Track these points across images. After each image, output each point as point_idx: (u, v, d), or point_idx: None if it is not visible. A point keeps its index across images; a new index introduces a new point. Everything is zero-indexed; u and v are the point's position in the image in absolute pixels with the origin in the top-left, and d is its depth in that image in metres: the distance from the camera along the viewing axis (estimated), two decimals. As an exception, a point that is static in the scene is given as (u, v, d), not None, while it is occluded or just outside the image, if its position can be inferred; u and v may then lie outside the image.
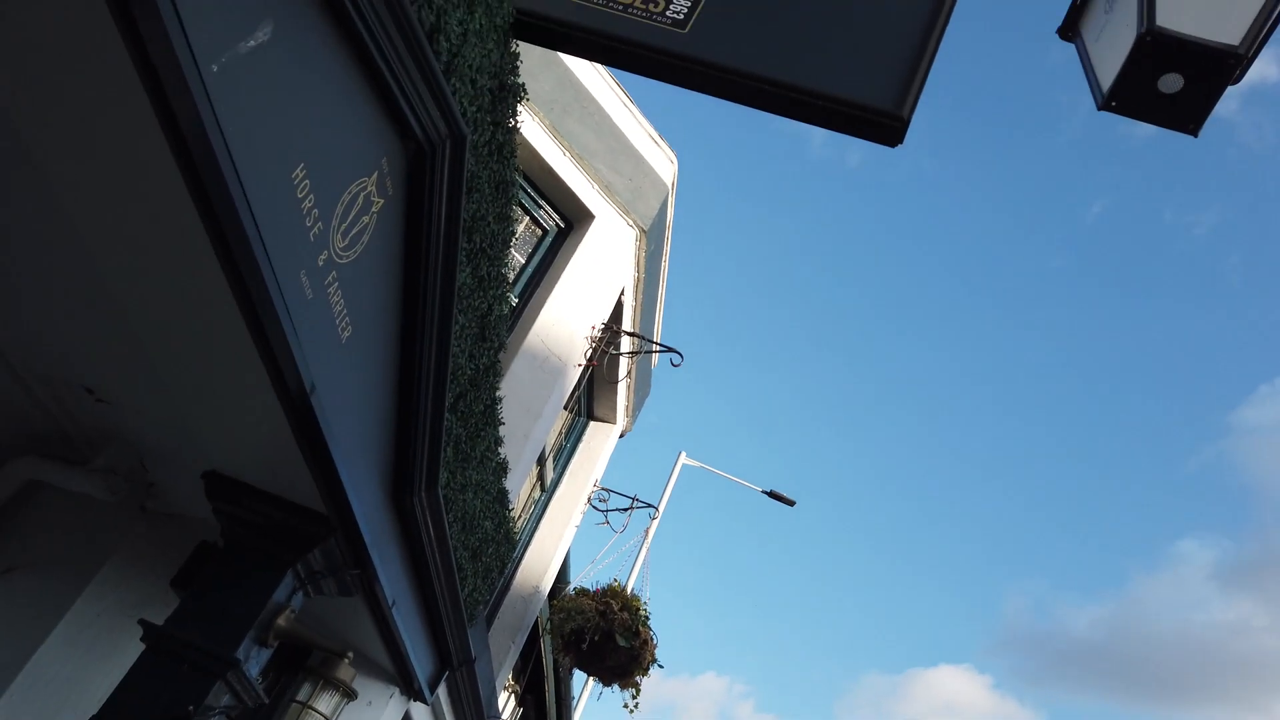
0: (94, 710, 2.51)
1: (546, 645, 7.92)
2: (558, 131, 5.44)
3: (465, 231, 2.65)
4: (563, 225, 5.81)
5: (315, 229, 1.97)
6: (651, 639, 5.97)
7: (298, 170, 1.85)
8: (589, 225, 5.80)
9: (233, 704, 2.55)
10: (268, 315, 1.91)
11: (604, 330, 5.88)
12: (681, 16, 2.68)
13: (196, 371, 2.44)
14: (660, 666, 6.09)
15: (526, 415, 5.00)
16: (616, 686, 6.18)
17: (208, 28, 1.48)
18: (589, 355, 5.68)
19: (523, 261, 5.53)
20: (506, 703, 8.33)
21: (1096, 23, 2.80)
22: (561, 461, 7.35)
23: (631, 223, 6.11)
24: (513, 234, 3.04)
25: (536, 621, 7.01)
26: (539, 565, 6.77)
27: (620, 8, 2.71)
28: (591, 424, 7.75)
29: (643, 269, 6.41)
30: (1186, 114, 2.62)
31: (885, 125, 2.48)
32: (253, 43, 1.60)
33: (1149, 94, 2.58)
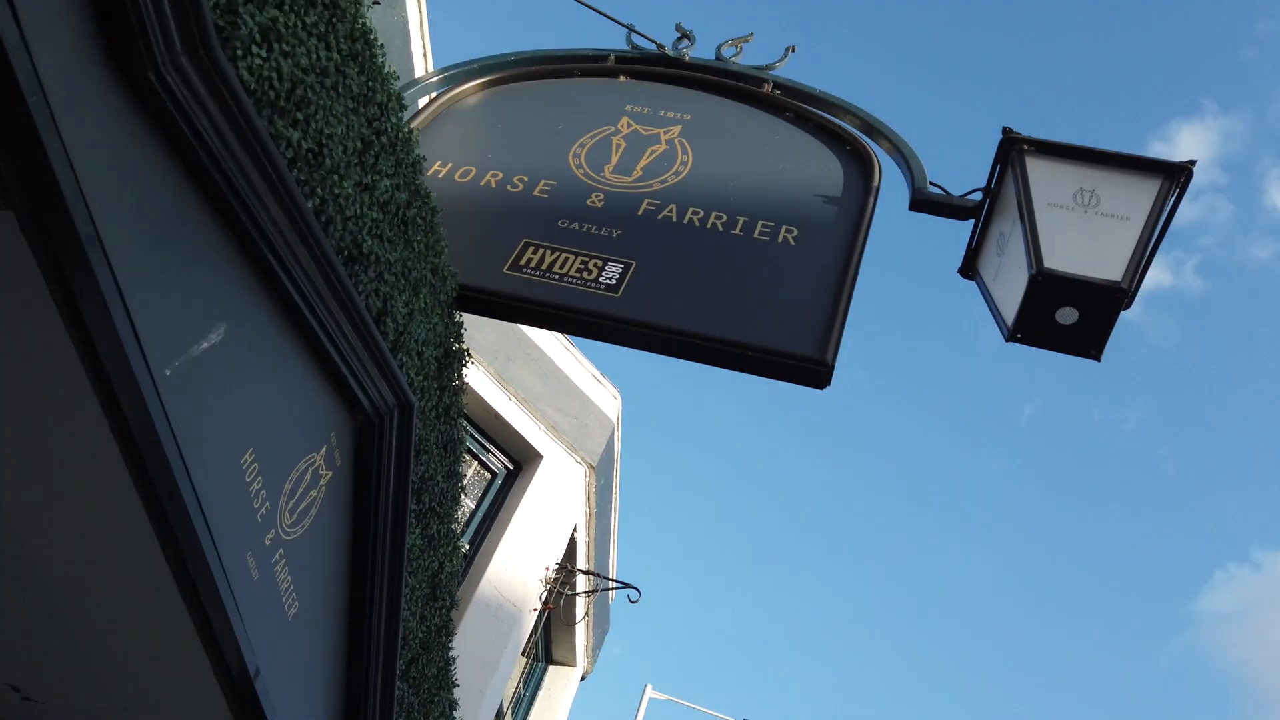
0: None
1: None
2: (503, 378, 5.61)
3: (415, 493, 2.68)
4: (511, 467, 5.86)
5: (263, 509, 1.99)
6: None
7: (246, 455, 1.90)
8: (538, 465, 5.86)
9: None
10: (211, 600, 1.88)
11: (558, 570, 5.80)
12: (614, 282, 2.88)
13: (134, 662, 2.36)
14: None
15: (482, 670, 4.82)
16: None
17: (162, 335, 1.56)
18: (544, 598, 5.57)
19: (472, 506, 5.52)
20: None
21: (991, 264, 3.07)
22: (521, 713, 6.99)
23: (580, 459, 6.19)
24: (462, 490, 3.08)
25: None
26: (501, 834, 6.28)
27: (557, 278, 2.91)
28: (551, 668, 7.45)
29: (594, 504, 6.42)
30: (1087, 342, 2.83)
31: (810, 370, 2.63)
32: (205, 345, 1.69)
33: (1049, 326, 2.80)
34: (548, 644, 7.20)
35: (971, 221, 3.25)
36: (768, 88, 3.87)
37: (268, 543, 2.04)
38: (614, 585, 6.59)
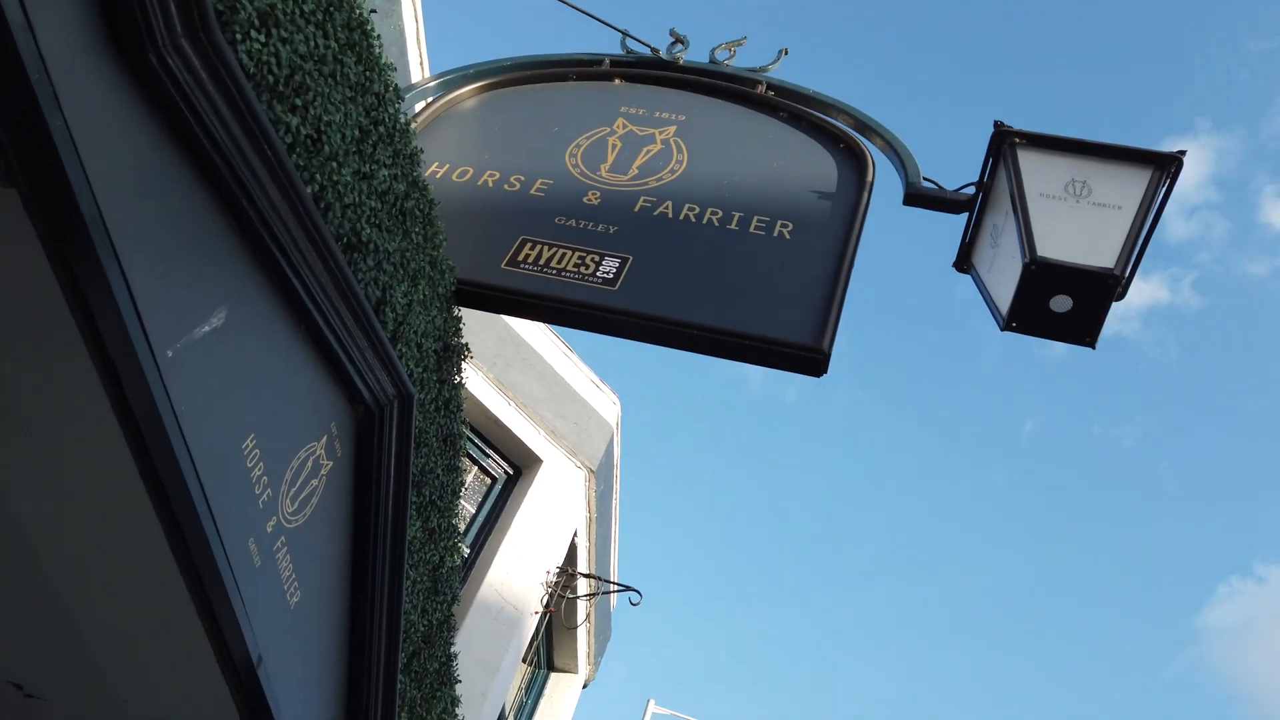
0: None
1: None
2: (502, 383, 5.63)
3: (415, 485, 2.69)
4: (511, 472, 5.88)
5: (264, 495, 2.00)
6: None
7: (248, 440, 1.91)
8: (537, 470, 5.87)
9: None
10: (214, 586, 1.90)
11: (559, 574, 5.80)
12: (611, 276, 2.91)
13: (137, 653, 2.37)
14: None
15: (484, 672, 4.82)
16: None
17: (164, 317, 1.58)
18: (545, 601, 5.57)
19: (473, 511, 5.52)
20: None
21: (986, 256, 3.09)
22: (524, 719, 6.97)
23: (579, 464, 6.20)
24: (462, 484, 3.09)
25: None
26: (504, 840, 6.25)
27: (554, 272, 2.93)
28: (553, 675, 7.43)
29: (594, 509, 6.43)
30: (1081, 329, 2.85)
31: (808, 358, 2.65)
32: (207, 328, 1.71)
33: (1043, 314, 2.82)
34: (550, 650, 7.19)
35: (965, 215, 3.28)
36: (761, 89, 3.90)
37: (269, 530, 2.05)
38: (615, 588, 6.59)
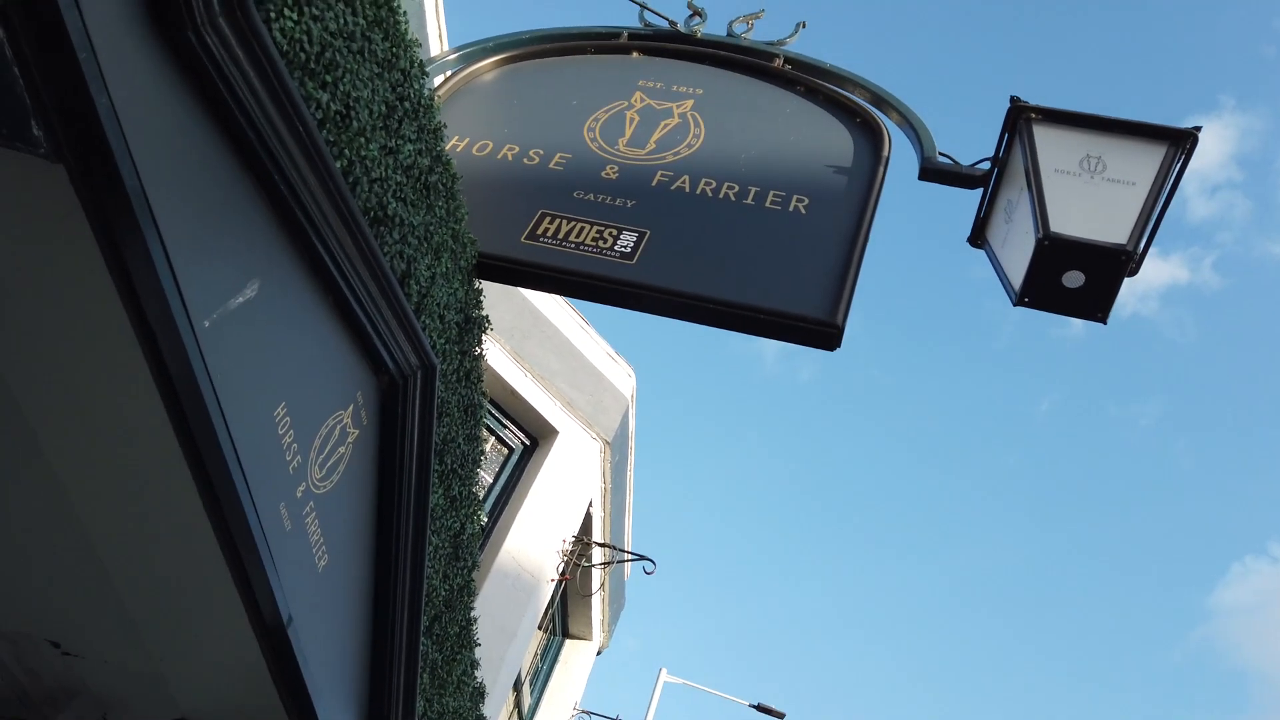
0: None
1: None
2: (519, 355, 5.69)
3: (437, 454, 2.76)
4: (528, 443, 5.96)
5: (294, 462, 2.07)
6: None
7: (279, 409, 1.98)
8: (553, 441, 5.95)
9: None
10: (246, 547, 1.97)
11: (574, 543, 5.90)
12: (629, 250, 2.95)
13: (171, 613, 2.45)
14: None
15: (501, 636, 4.92)
16: None
17: (201, 288, 1.64)
18: (561, 569, 5.67)
19: (490, 480, 5.61)
20: None
21: (1000, 231, 3.12)
22: (539, 685, 7.11)
23: (595, 435, 6.27)
24: (481, 454, 3.16)
25: None
26: (520, 801, 6.40)
27: (573, 246, 2.98)
28: (568, 642, 7.56)
29: (609, 479, 6.51)
30: (1093, 305, 2.88)
31: (822, 332, 2.70)
32: (241, 299, 1.77)
33: (1056, 290, 2.85)
34: (564, 617, 7.31)
35: (980, 191, 3.30)
36: (779, 62, 3.92)
37: (299, 495, 2.12)
38: (629, 557, 6.69)
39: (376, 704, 2.69)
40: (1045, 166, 2.93)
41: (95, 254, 1.54)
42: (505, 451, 5.81)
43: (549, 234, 3.07)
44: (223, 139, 1.64)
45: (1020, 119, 3.08)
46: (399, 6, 2.04)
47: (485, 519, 5.39)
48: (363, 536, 2.50)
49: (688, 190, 3.28)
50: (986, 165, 3.26)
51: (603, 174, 3.37)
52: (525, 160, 3.45)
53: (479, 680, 3.58)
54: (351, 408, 2.31)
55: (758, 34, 4.12)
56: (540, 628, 6.82)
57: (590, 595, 6.64)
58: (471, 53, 4.03)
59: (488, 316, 3.00)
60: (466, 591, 3.18)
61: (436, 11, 5.10)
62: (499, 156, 3.48)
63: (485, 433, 5.66)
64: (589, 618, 7.24)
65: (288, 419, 2.01)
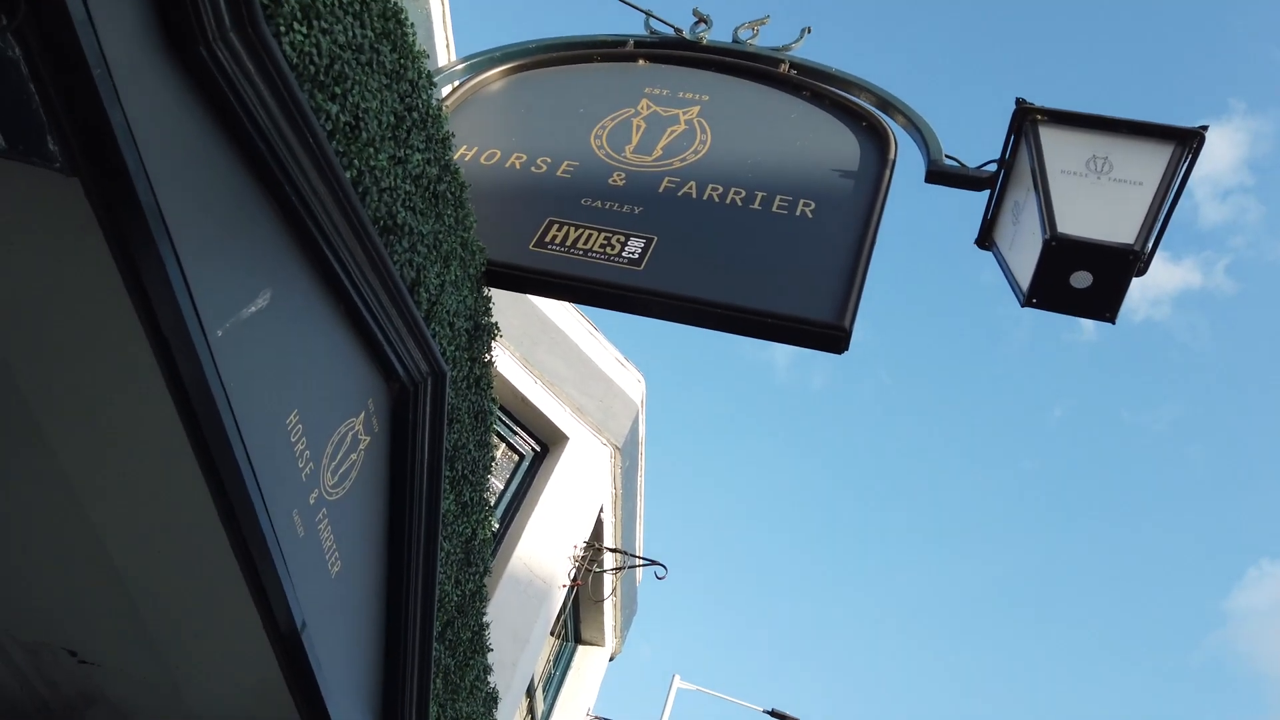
0: None
1: None
2: (529, 362, 5.72)
3: (448, 460, 2.78)
4: (538, 449, 5.98)
5: (307, 469, 2.09)
6: None
7: (291, 416, 2.00)
8: (564, 447, 5.97)
9: None
10: (260, 555, 1.99)
11: (585, 548, 5.91)
12: (636, 256, 2.97)
13: (187, 622, 2.48)
14: None
15: (514, 642, 4.94)
16: None
17: (214, 298, 1.67)
18: (573, 575, 5.68)
19: (501, 487, 5.63)
20: None
21: (1007, 233, 3.12)
22: (551, 691, 7.11)
23: (605, 441, 6.29)
24: (492, 459, 3.18)
25: None
26: (534, 808, 6.41)
27: (581, 253, 3.00)
28: (580, 648, 7.57)
29: (619, 485, 6.52)
30: (1101, 305, 2.89)
31: (830, 335, 2.71)
32: (253, 309, 1.79)
33: (1064, 290, 2.85)
34: (577, 623, 7.32)
35: (987, 193, 3.30)
36: (784, 68, 3.93)
37: (312, 501, 2.14)
38: (640, 562, 6.70)
39: (390, 709, 2.70)
40: (1051, 167, 2.93)
41: (110, 265, 1.57)
42: (516, 458, 5.83)
43: (557, 241, 3.09)
44: (234, 151, 1.67)
45: (1026, 121, 3.09)
46: (407, 18, 2.06)
47: (497, 525, 5.41)
48: (375, 542, 2.52)
49: (695, 196, 3.30)
50: (993, 167, 3.26)
51: (610, 181, 3.39)
52: (533, 169, 3.47)
53: (492, 686, 3.59)
54: (363, 415, 2.33)
55: (763, 40, 4.14)
56: (552, 633, 6.83)
57: (602, 601, 6.66)
58: (479, 63, 4.06)
59: (497, 323, 3.02)
60: (479, 597, 3.19)
61: (444, 22, 5.14)
62: (507, 165, 3.50)
63: (496, 439, 5.69)
64: (601, 623, 7.25)
65: (300, 426, 2.03)
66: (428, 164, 2.27)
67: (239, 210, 1.73)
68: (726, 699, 12.52)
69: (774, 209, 3.22)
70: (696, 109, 3.77)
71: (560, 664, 7.28)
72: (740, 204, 3.25)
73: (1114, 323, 2.89)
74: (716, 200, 3.28)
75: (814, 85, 3.83)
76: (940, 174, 3.33)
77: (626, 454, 6.53)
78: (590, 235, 3.11)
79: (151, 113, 1.44)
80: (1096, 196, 2.84)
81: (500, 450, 5.72)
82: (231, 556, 2.03)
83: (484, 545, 3.12)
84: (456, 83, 4.03)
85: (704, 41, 4.12)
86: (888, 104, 3.67)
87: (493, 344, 3.04)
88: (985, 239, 3.34)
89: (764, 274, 2.92)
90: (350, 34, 1.81)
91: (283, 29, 1.60)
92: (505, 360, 5.53)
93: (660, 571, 6.32)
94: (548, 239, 3.10)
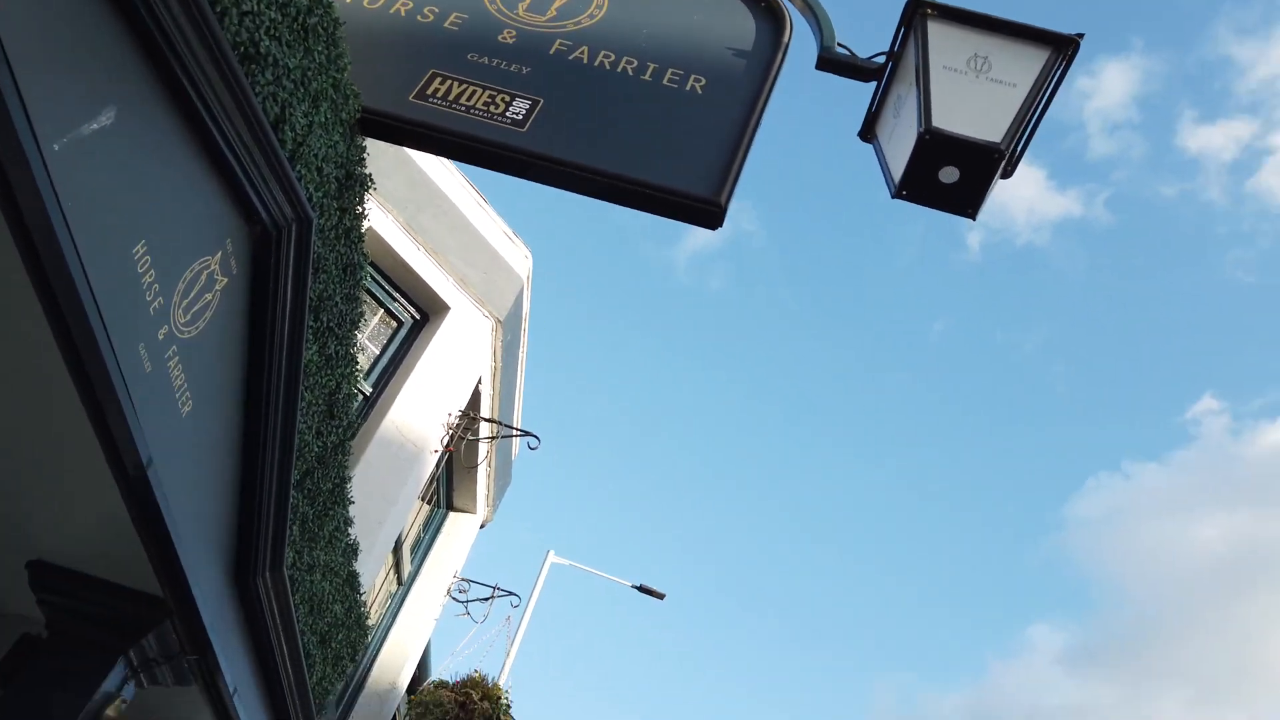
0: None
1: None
2: (412, 228, 5.58)
3: (312, 310, 2.73)
4: (418, 317, 5.90)
5: (155, 303, 2.02)
6: (515, 730, 5.87)
7: (139, 246, 1.92)
8: (445, 316, 5.90)
9: (57, 805, 2.43)
10: (103, 387, 1.93)
11: (461, 417, 5.94)
12: (520, 118, 2.91)
13: (28, 454, 2.40)
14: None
15: (382, 501, 4.97)
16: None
17: (50, 110, 1.56)
18: (445, 441, 5.71)
19: (377, 352, 5.56)
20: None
21: (888, 125, 3.19)
22: (420, 554, 7.23)
23: (487, 313, 6.25)
24: (360, 315, 3.13)
25: (395, 716, 6.77)
26: (397, 660, 6.58)
27: (463, 109, 2.91)
28: (451, 515, 7.68)
29: (499, 358, 6.53)
30: (965, 201, 3.00)
31: (705, 210, 2.74)
32: (95, 125, 1.69)
33: (932, 184, 2.95)
34: (449, 490, 7.40)
35: (874, 85, 3.34)
36: (689, -63, 3.82)
37: (160, 337, 2.08)
38: (516, 433, 6.78)
39: (244, 553, 2.71)
40: (935, 63, 2.98)
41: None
42: (395, 324, 5.74)
43: (439, 94, 2.99)
44: (72, -53, 1.54)
45: (917, 14, 3.11)
46: None
47: (370, 388, 5.36)
48: (232, 386, 2.47)
49: (586, 61, 3.23)
50: (882, 59, 3.29)
51: (499, 38, 3.28)
52: (419, 17, 3.32)
53: (353, 538, 3.62)
54: (220, 254, 2.25)
55: (670, -95, 3.99)
56: (423, 498, 6.90)
57: (475, 468, 6.73)
58: (368, -104, 3.80)
59: (371, 176, 2.93)
60: (341, 450, 3.19)
61: None
62: (391, 10, 3.33)
63: (375, 304, 5.58)
64: (474, 491, 7.35)
65: (148, 258, 1.95)
66: (296, -9, 2.15)
67: (80, 19, 1.61)
68: (598, 574, 13.01)
69: (664, 81, 3.18)
70: (595, -28, 3.64)
71: (431, 528, 7.38)
72: (631, 73, 3.20)
73: (974, 219, 3.02)
74: (608, 68, 3.22)
75: (716, -42, 3.74)
76: (830, 62, 3.34)
77: (509, 328, 6.51)
78: (475, 92, 3.02)
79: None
80: (973, 94, 2.92)
81: (379, 316, 5.62)
82: (73, 387, 1.97)
83: (348, 399, 3.10)
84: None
85: (609, -100, 3.95)
86: (787, -14, 3.63)
87: (374, 206, 2.96)
88: (869, 131, 3.40)
89: (647, 145, 2.91)
90: None
91: None
92: (388, 224, 5.38)
93: (534, 442, 6.42)
94: (429, 91, 3.00)
